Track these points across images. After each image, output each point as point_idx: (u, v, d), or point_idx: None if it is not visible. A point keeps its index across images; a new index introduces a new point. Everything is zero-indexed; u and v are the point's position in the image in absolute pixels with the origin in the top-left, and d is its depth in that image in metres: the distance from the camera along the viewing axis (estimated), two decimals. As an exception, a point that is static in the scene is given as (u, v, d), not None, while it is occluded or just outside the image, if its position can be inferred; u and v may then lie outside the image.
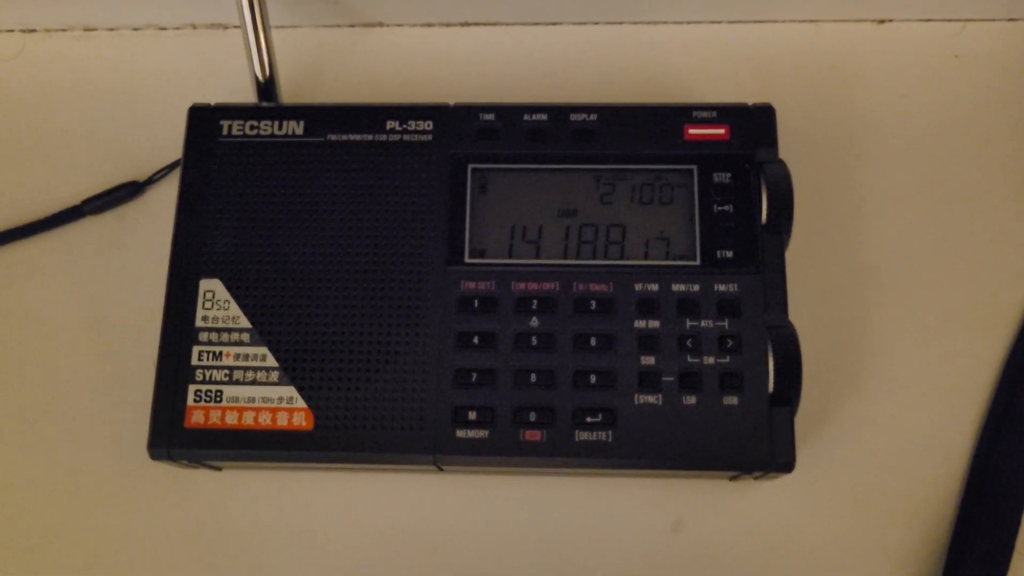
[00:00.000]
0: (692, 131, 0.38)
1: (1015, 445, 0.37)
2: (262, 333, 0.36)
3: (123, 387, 0.40)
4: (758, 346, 0.35)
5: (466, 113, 0.38)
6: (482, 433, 0.35)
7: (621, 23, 0.45)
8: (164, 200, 0.43)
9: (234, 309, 0.36)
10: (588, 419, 0.35)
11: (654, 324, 0.36)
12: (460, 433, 0.35)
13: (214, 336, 0.36)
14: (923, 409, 0.38)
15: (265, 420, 0.35)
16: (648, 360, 0.35)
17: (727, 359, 0.35)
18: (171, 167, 0.43)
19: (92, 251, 0.42)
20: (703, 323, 0.35)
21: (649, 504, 0.38)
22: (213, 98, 0.40)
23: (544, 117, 0.38)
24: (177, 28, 0.46)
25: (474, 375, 0.35)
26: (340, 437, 0.35)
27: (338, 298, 0.36)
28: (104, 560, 0.38)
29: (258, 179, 0.38)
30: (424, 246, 0.37)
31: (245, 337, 0.36)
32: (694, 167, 0.37)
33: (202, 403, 0.36)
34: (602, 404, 0.35)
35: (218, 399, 0.36)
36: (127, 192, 0.43)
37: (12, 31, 0.47)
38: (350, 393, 0.35)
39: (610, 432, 0.34)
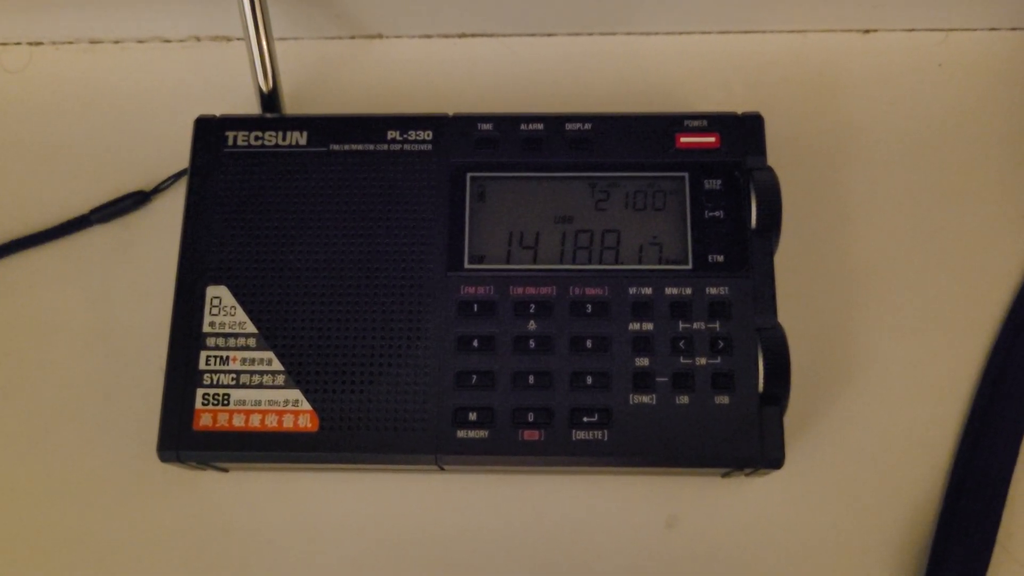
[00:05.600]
0: (684, 139, 0.39)
1: (996, 443, 0.38)
2: (268, 338, 0.37)
3: (130, 392, 0.41)
4: (748, 347, 0.36)
5: (465, 123, 0.39)
6: (482, 433, 0.36)
7: (614, 34, 0.47)
8: (170, 209, 0.44)
9: (240, 315, 0.38)
10: (585, 419, 0.36)
11: (648, 327, 0.37)
12: (461, 433, 0.36)
13: (221, 341, 0.37)
14: (907, 407, 0.40)
15: (271, 422, 0.36)
16: (642, 361, 0.36)
17: (718, 360, 0.36)
18: (176, 177, 0.44)
19: (99, 259, 0.43)
20: (695, 325, 0.37)
21: (644, 501, 0.39)
22: (217, 109, 0.41)
23: (540, 126, 0.39)
24: (181, 41, 0.47)
25: (474, 377, 0.36)
26: (344, 438, 0.36)
27: (341, 303, 0.37)
28: (113, 561, 0.39)
29: (263, 188, 0.39)
30: (425, 252, 0.38)
31: (251, 342, 0.37)
32: (686, 174, 0.39)
33: (210, 406, 0.37)
34: (598, 404, 0.36)
35: (225, 402, 0.37)
36: (133, 201, 0.44)
37: (19, 44, 0.48)
38: (354, 395, 0.36)
39: (606, 431, 0.36)
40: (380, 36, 0.47)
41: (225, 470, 0.40)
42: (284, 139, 0.40)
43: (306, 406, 0.36)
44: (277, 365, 0.37)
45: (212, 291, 0.38)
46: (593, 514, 0.39)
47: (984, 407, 0.39)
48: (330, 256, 0.38)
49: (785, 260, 0.40)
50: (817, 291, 0.41)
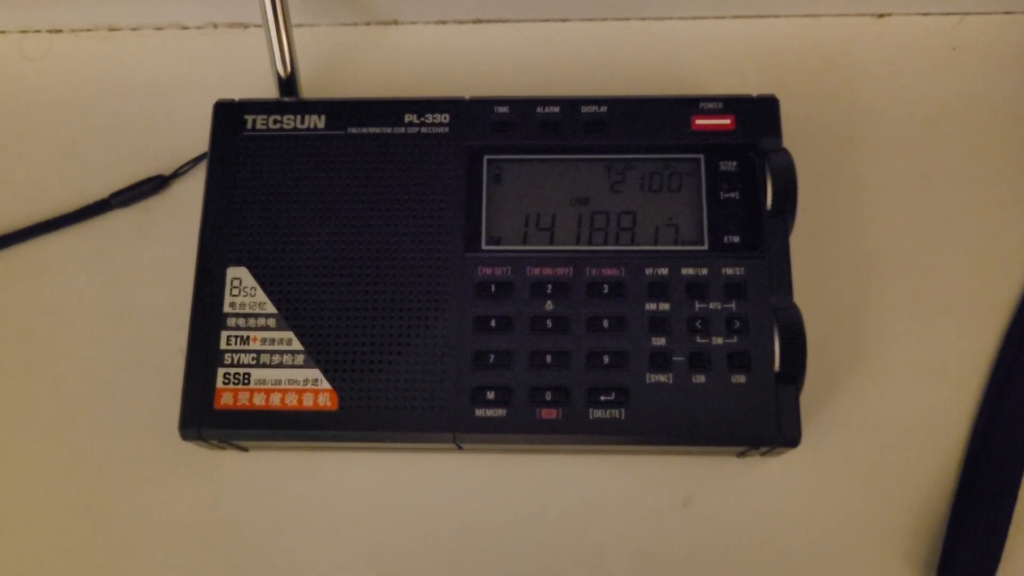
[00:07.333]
0: (699, 121, 0.39)
1: (1011, 423, 0.39)
2: (287, 318, 0.38)
3: (151, 372, 0.41)
4: (764, 327, 0.36)
5: (481, 106, 0.40)
6: (500, 412, 0.36)
7: (628, 19, 0.47)
8: (188, 193, 0.44)
9: (260, 295, 0.38)
10: (602, 397, 0.36)
11: (664, 307, 0.37)
12: (479, 412, 0.36)
13: (241, 321, 0.38)
14: (923, 387, 0.40)
15: (291, 401, 0.37)
16: (659, 341, 0.37)
17: (735, 339, 0.36)
18: (195, 161, 0.45)
19: (119, 243, 0.44)
20: (711, 305, 0.37)
21: (660, 480, 0.39)
22: (234, 95, 0.41)
23: (556, 109, 0.40)
24: (199, 27, 0.48)
25: (492, 356, 0.37)
26: (363, 417, 0.36)
27: (360, 284, 0.38)
28: (134, 539, 0.40)
29: (281, 171, 0.39)
30: (442, 234, 0.38)
31: (271, 322, 0.38)
32: (701, 156, 0.39)
33: (231, 385, 0.37)
34: (615, 383, 0.36)
35: (246, 381, 0.37)
36: (152, 186, 0.44)
37: (39, 32, 0.48)
38: (373, 375, 0.37)
39: (623, 410, 0.36)
40: (396, 22, 0.48)
41: (245, 449, 0.40)
42: (303, 123, 0.40)
43: (325, 385, 0.37)
44: (297, 345, 0.37)
45: (232, 272, 0.38)
46: (609, 493, 0.39)
47: (999, 389, 0.39)
48: (348, 237, 0.38)
49: (800, 241, 0.40)
50: (832, 271, 0.41)
